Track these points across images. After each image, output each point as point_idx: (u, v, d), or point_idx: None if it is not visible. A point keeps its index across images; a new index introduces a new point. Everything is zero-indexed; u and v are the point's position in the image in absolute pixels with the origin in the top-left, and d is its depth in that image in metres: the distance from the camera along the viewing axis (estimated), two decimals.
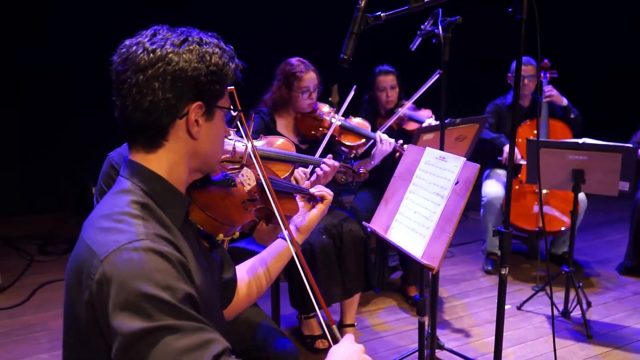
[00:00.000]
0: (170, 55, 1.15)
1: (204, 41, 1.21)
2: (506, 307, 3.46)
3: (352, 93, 2.90)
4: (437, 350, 2.92)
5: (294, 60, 2.90)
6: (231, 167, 1.57)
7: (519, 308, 3.46)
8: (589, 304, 3.47)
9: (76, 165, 4.75)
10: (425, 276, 2.30)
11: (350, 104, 2.95)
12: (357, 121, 3.10)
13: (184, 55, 1.16)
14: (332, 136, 2.90)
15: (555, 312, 3.38)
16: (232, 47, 1.29)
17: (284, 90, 2.88)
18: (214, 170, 1.35)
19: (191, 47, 1.18)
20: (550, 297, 3.42)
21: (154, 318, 0.99)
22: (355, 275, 2.82)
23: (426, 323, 2.73)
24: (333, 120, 2.92)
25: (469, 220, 5.08)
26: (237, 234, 1.40)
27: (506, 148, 3.92)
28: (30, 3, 4.48)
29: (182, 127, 1.19)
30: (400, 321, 3.33)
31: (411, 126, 3.50)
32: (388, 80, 3.60)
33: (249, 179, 1.49)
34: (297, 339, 3.04)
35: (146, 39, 1.18)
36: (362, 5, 1.78)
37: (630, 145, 3.16)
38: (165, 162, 1.20)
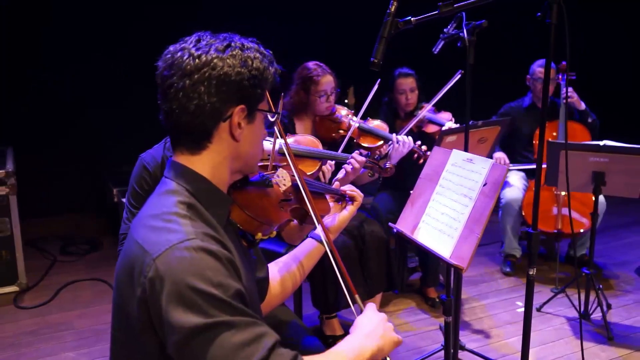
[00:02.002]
0: (215, 60, 1.19)
1: (245, 46, 1.25)
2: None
3: (371, 94, 2.93)
4: (458, 351, 2.94)
5: (311, 64, 2.94)
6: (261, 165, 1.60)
7: (538, 310, 3.47)
8: (608, 306, 3.47)
9: (97, 166, 4.81)
10: (441, 277, 2.31)
11: (369, 106, 2.98)
12: (375, 123, 3.13)
13: (227, 61, 1.20)
14: (351, 138, 2.94)
15: (575, 314, 3.39)
16: (271, 52, 1.33)
17: (302, 94, 2.93)
18: (253, 171, 1.39)
19: (234, 53, 1.22)
20: (577, 298, 3.44)
21: (209, 314, 1.02)
22: (377, 275, 2.84)
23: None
24: (351, 122, 2.96)
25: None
26: (274, 233, 1.44)
27: (495, 155, 3.94)
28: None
29: (225, 130, 1.23)
30: (420, 322, 3.35)
31: (431, 129, 3.52)
32: (408, 83, 3.62)
33: (285, 179, 1.52)
34: (320, 338, 3.06)
35: (191, 45, 1.22)
36: (393, 10, 1.81)
37: None
38: (209, 163, 1.24)
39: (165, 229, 1.11)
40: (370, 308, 1.41)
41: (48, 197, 4.71)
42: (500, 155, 3.99)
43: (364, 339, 1.29)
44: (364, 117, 3.10)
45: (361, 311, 1.44)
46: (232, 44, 1.23)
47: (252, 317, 1.09)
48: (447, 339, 2.14)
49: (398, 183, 3.54)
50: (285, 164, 1.59)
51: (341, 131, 2.96)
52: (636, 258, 4.13)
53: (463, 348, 2.94)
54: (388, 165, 2.61)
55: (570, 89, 4.02)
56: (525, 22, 4.18)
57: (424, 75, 3.70)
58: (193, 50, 1.20)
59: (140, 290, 1.08)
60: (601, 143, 3.23)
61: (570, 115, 4.10)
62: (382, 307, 3.47)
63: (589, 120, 4.05)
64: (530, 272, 1.91)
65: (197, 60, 1.19)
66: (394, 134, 3.04)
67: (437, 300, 3.42)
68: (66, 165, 4.75)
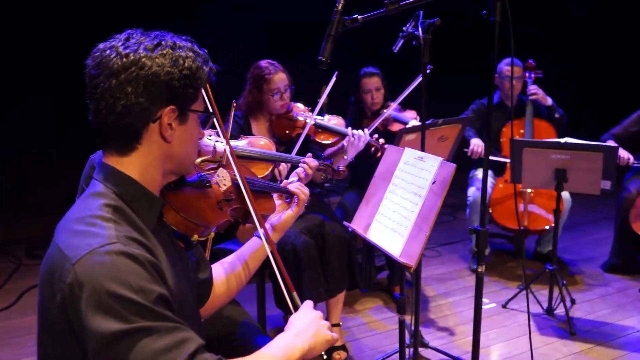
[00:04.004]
0: (143, 59, 1.17)
1: (177, 45, 1.23)
2: (491, 305, 3.52)
3: (326, 91, 2.93)
4: (421, 349, 2.95)
5: (263, 63, 2.92)
6: (210, 167, 1.59)
7: (504, 306, 3.49)
8: (573, 302, 3.51)
9: (65, 170, 4.74)
10: (408, 275, 2.32)
11: (335, 105, 2.98)
12: (331, 119, 3.12)
13: (157, 60, 1.18)
14: (308, 135, 2.92)
15: (540, 310, 3.42)
16: (206, 51, 1.31)
17: (255, 93, 2.90)
18: (188, 172, 1.37)
19: (164, 52, 1.20)
20: (543, 294, 3.47)
21: (128, 320, 1.01)
22: (339, 275, 2.83)
23: (411, 321, 2.78)
24: (307, 119, 2.95)
25: (456, 220, 5.12)
26: (213, 234, 1.43)
27: (472, 142, 3.94)
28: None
29: (155, 131, 1.21)
30: (386, 320, 3.35)
31: (396, 127, 3.52)
32: (373, 82, 3.63)
33: (225, 179, 1.51)
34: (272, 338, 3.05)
35: (119, 43, 1.19)
36: (339, 7, 1.80)
37: (612, 144, 3.19)
38: (139, 165, 1.22)
39: (87, 232, 1.09)
40: (306, 306, 1.41)
41: (16, 200, 4.64)
42: (477, 142, 3.97)
43: (294, 338, 1.29)
44: (321, 114, 3.09)
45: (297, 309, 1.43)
46: (163, 43, 1.22)
47: (175, 323, 1.07)
48: (402, 337, 2.14)
49: (365, 182, 3.52)
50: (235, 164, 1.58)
51: (298, 129, 2.94)
52: (602, 254, 4.17)
53: (426, 346, 2.95)
54: (341, 167, 2.61)
55: (534, 86, 4.05)
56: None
57: (392, 74, 3.71)
58: (121, 49, 1.18)
59: (60, 296, 1.06)
60: (562, 140, 3.26)
61: (538, 112, 4.14)
62: (348, 306, 3.48)
63: (556, 115, 4.08)
64: (479, 270, 1.92)
65: (124, 59, 1.17)
66: (349, 128, 3.04)
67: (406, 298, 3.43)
68: (34, 169, 4.68)
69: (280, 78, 2.91)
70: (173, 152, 1.25)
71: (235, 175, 1.52)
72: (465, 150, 3.92)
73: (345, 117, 3.76)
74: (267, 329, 2.90)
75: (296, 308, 1.43)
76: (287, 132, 2.98)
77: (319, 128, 3.03)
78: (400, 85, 3.32)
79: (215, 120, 1.50)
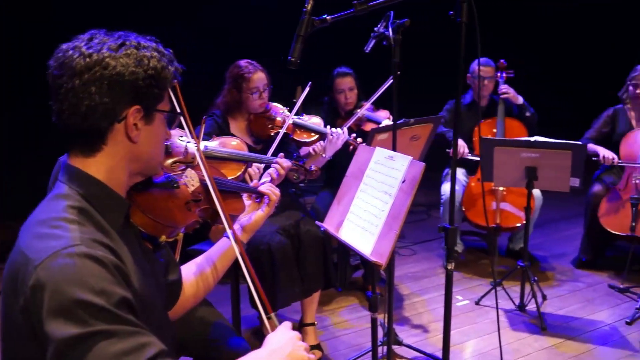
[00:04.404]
0: (107, 59, 1.16)
1: (141, 45, 1.23)
2: (465, 302, 3.56)
3: (305, 91, 2.95)
4: (395, 346, 2.97)
5: (242, 62, 2.93)
6: (181, 168, 1.58)
7: (477, 303, 3.53)
8: (544, 297, 3.57)
9: (36, 174, 4.66)
10: (379, 273, 2.33)
11: (311, 105, 2.99)
12: (309, 118, 3.14)
13: (121, 60, 1.17)
14: (286, 134, 2.93)
15: (512, 306, 3.47)
16: (171, 51, 1.31)
17: (234, 92, 2.91)
18: (155, 172, 1.36)
19: (128, 52, 1.19)
20: (515, 291, 3.52)
21: (88, 324, 1.00)
22: (314, 274, 2.85)
23: (384, 319, 2.80)
24: (286, 118, 2.96)
25: (431, 219, 5.17)
26: (181, 234, 1.42)
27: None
28: None
29: (121, 131, 1.20)
30: (361, 319, 3.37)
31: (370, 127, 3.54)
32: (346, 82, 3.65)
33: (193, 179, 1.51)
34: (258, 339, 3.06)
35: (83, 44, 1.19)
36: (309, 8, 1.81)
37: (580, 142, 3.25)
38: (104, 166, 1.21)
39: (51, 235, 1.08)
40: (284, 326, 1.39)
41: None
42: (461, 143, 4.02)
43: (268, 356, 1.28)
44: (298, 114, 3.10)
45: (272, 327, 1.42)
46: (127, 43, 1.21)
47: (136, 327, 1.06)
48: (374, 335, 2.16)
49: (340, 182, 3.54)
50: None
51: (276, 128, 2.95)
52: (573, 250, 4.25)
53: (400, 343, 2.98)
54: (313, 167, 2.63)
55: (505, 86, 4.11)
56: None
57: (367, 74, 3.73)
58: (84, 49, 1.17)
59: (23, 299, 1.05)
60: (532, 139, 3.31)
61: (510, 111, 4.19)
62: (324, 305, 3.49)
63: (527, 114, 4.15)
64: (449, 267, 1.94)
65: (87, 59, 1.16)
66: (328, 127, 3.06)
67: (380, 296, 3.45)
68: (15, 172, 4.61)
69: (259, 77, 2.92)
70: (139, 152, 1.25)
71: (203, 175, 1.52)
72: (448, 150, 3.98)
73: (319, 116, 3.77)
74: (242, 329, 2.89)
75: (274, 328, 1.41)
76: (266, 130, 2.98)
77: (297, 127, 3.04)
78: (374, 85, 3.34)
79: (183, 120, 1.49)
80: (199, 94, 2.72)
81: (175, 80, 1.30)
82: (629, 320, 3.25)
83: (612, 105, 4.10)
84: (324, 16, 1.82)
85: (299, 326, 3.01)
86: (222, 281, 2.96)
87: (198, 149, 1.52)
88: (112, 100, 1.17)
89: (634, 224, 3.62)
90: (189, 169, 1.53)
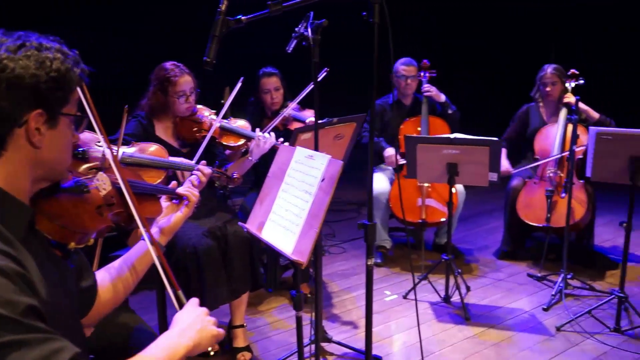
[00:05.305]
0: (4, 61, 1.12)
1: (43, 46, 1.19)
2: (393, 296, 3.65)
3: (232, 94, 2.94)
4: (325, 344, 3.01)
5: (168, 65, 2.88)
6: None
7: (404, 297, 3.62)
8: (468, 289, 3.70)
9: None
10: (308, 272, 2.35)
11: (238, 106, 2.97)
12: (237, 122, 3.12)
13: (20, 62, 1.13)
14: (213, 138, 2.91)
15: (438, 298, 3.58)
16: (76, 52, 1.27)
17: (159, 95, 2.86)
18: (62, 177, 1.32)
19: (29, 53, 1.15)
20: (441, 283, 3.63)
21: None
22: (242, 276, 2.83)
23: (311, 316, 2.82)
24: (213, 122, 2.93)
25: (360, 217, 5.26)
26: (92, 240, 1.39)
27: (386, 152, 4.12)
28: None
29: (22, 136, 1.16)
30: (292, 318, 3.37)
31: (296, 126, 3.56)
32: (272, 82, 3.65)
33: (104, 183, 1.47)
34: None
35: None
36: (223, 8, 1.80)
37: (496, 138, 3.39)
38: (5, 172, 1.16)
39: None
40: (191, 303, 1.40)
41: None
42: (392, 152, 4.13)
43: (177, 337, 1.28)
44: (226, 117, 3.08)
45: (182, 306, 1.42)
46: (27, 44, 1.17)
47: (46, 333, 1.03)
48: (300, 333, 2.17)
49: None
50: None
51: (203, 131, 2.92)
52: (495, 242, 4.44)
53: (330, 340, 3.01)
54: (235, 175, 2.63)
55: (428, 85, 4.23)
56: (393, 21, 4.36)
57: (295, 74, 3.74)
58: None
59: None
60: (452, 136, 3.43)
61: (434, 109, 4.32)
62: (254, 306, 3.48)
63: (449, 111, 4.28)
64: (369, 263, 1.98)
65: None
66: (257, 130, 3.05)
67: (309, 295, 3.49)
68: None
69: (186, 81, 2.88)
70: (43, 157, 1.20)
71: (116, 178, 1.48)
72: (384, 165, 4.13)
73: (246, 117, 3.76)
74: None
75: (181, 306, 1.41)
76: (192, 134, 2.95)
77: (224, 130, 3.02)
78: (301, 85, 3.36)
79: (94, 123, 1.45)
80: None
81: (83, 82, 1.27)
82: (545, 307, 3.43)
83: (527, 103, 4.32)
84: (239, 16, 1.82)
85: (228, 328, 2.99)
86: (148, 287, 2.92)
87: (109, 148, 1.48)
88: (11, 104, 1.12)
89: (549, 215, 3.82)
90: (100, 173, 1.49)
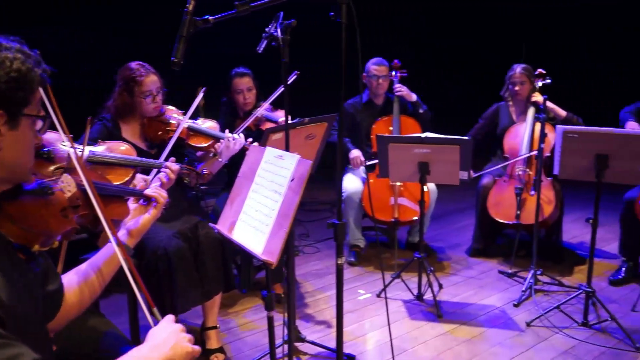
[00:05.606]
0: None
1: (3, 46, 1.17)
2: (367, 295, 3.66)
3: (199, 96, 2.92)
4: (299, 343, 3.01)
5: (133, 65, 2.85)
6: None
7: (378, 296, 3.65)
8: (440, 286, 3.74)
9: None
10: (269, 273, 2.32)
11: (211, 107, 2.95)
12: (206, 123, 3.10)
13: None
14: (181, 139, 2.89)
15: (412, 296, 3.61)
16: (38, 52, 1.26)
17: (125, 96, 2.82)
18: (24, 179, 1.30)
19: None
20: (414, 281, 3.65)
21: None
22: (214, 277, 2.82)
23: (284, 316, 2.82)
24: (180, 122, 2.91)
25: (334, 216, 5.24)
26: (57, 243, 1.37)
27: (351, 153, 4.14)
28: None
29: None
30: (266, 319, 3.33)
31: (268, 126, 3.56)
32: (244, 82, 3.65)
33: (69, 185, 1.45)
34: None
35: None
36: (190, 8, 1.79)
37: (466, 137, 3.44)
38: None
39: None
40: (166, 320, 1.38)
41: None
42: (357, 153, 4.15)
43: (148, 352, 1.26)
44: (195, 117, 3.06)
45: (157, 321, 1.40)
46: None
47: (5, 339, 1.02)
48: (271, 333, 2.18)
49: None
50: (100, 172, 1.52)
51: (170, 132, 2.89)
52: (467, 240, 4.49)
53: (303, 340, 3.02)
54: (205, 171, 2.61)
55: (399, 84, 4.27)
56: (361, 22, 4.39)
57: (268, 75, 3.73)
58: None
59: None
60: (423, 135, 3.47)
61: (405, 109, 4.35)
62: (228, 308, 3.47)
63: (421, 111, 4.32)
64: (339, 262, 1.99)
65: None
66: (226, 131, 3.04)
67: (283, 295, 3.48)
68: None
69: (152, 80, 2.85)
70: (4, 159, 1.19)
71: (81, 180, 1.47)
72: (349, 167, 4.15)
73: (218, 118, 3.74)
74: (140, 339, 2.81)
75: (156, 322, 1.39)
76: (159, 135, 2.92)
77: (192, 131, 2.99)
78: (274, 86, 3.36)
79: (57, 124, 1.43)
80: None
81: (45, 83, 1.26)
82: (516, 303, 3.48)
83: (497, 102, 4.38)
84: (206, 17, 1.81)
85: (201, 330, 2.98)
86: (119, 290, 2.88)
87: (74, 150, 1.46)
88: None
89: (518, 212, 3.88)
90: (65, 174, 1.47)
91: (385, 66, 4.29)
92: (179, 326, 1.36)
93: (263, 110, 3.50)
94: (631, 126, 3.70)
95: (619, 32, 6.45)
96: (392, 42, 6.45)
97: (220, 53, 5.09)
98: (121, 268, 1.59)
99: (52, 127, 1.44)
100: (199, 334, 3.00)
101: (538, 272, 3.66)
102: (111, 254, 1.60)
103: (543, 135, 3.47)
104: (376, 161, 4.14)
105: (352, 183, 4.16)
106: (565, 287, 3.66)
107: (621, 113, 3.88)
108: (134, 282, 1.42)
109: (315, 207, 5.51)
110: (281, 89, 3.33)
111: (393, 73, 4.34)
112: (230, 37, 4.91)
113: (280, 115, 3.60)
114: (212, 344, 2.93)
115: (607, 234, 4.59)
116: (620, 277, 3.77)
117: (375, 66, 4.28)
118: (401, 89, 4.26)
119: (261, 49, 2.81)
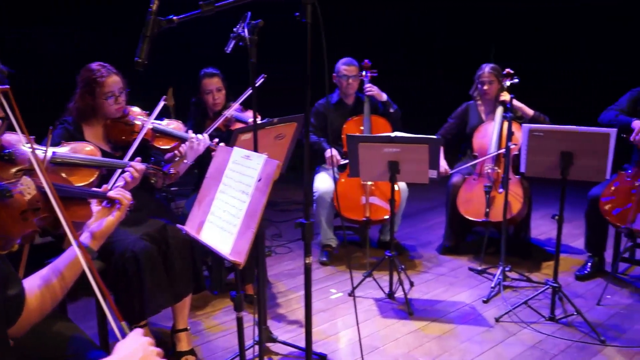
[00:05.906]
0: None
1: None
2: (339, 294, 3.68)
3: (163, 97, 2.90)
4: (270, 344, 3.01)
5: (94, 65, 2.80)
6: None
7: (350, 295, 3.66)
8: (411, 284, 3.77)
9: None
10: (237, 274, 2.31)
11: (181, 107, 2.93)
12: (170, 124, 3.07)
13: None
14: (146, 140, 2.86)
15: (383, 295, 3.63)
16: None
17: (87, 97, 2.78)
18: None
19: None
20: (385, 280, 3.67)
21: None
22: (184, 278, 2.80)
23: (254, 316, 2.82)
24: (144, 123, 2.88)
25: None
26: (17, 246, 1.35)
27: (327, 152, 4.15)
28: None
29: None
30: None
31: (238, 127, 3.55)
32: (213, 83, 3.63)
33: (29, 187, 1.43)
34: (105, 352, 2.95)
35: None
36: (154, 8, 1.78)
37: (435, 136, 3.47)
38: None
39: None
40: (135, 332, 1.36)
41: None
42: (333, 152, 4.16)
43: None
44: (159, 119, 3.03)
45: (125, 334, 1.38)
46: None
47: None
48: (241, 334, 2.17)
49: None
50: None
51: (134, 133, 2.86)
52: (437, 238, 4.54)
53: (275, 340, 3.02)
54: (172, 170, 2.59)
55: (369, 85, 4.29)
56: (335, 23, 4.41)
57: (237, 75, 3.72)
58: None
59: None
60: (393, 134, 3.49)
61: (376, 109, 4.38)
62: (199, 309, 3.45)
63: (391, 110, 4.35)
64: (307, 261, 2.00)
65: None
66: (190, 132, 3.02)
67: (255, 296, 3.47)
68: None
69: (114, 81, 2.81)
70: None
71: (41, 182, 1.44)
72: (324, 165, 4.16)
73: (187, 119, 3.72)
74: (109, 342, 2.77)
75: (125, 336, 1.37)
76: (123, 137, 2.88)
77: (157, 132, 2.96)
78: (244, 86, 3.35)
79: (16, 126, 1.41)
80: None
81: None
82: (485, 299, 3.53)
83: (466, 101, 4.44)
84: (171, 16, 1.80)
85: (172, 332, 2.95)
86: (87, 294, 2.84)
87: (34, 156, 1.44)
88: None
89: (488, 210, 3.94)
90: (24, 177, 1.45)
91: (355, 66, 4.31)
92: (148, 339, 1.34)
93: (233, 110, 3.49)
94: (638, 125, 3.50)
95: (587, 32, 6.60)
96: (363, 41, 6.49)
97: (191, 53, 5.07)
98: (84, 272, 1.57)
99: (11, 129, 1.41)
100: (169, 337, 2.97)
101: (507, 269, 3.72)
102: (73, 257, 1.58)
103: (510, 134, 3.53)
104: (347, 161, 4.17)
105: (324, 183, 4.16)
106: (533, 283, 3.73)
107: (609, 114, 3.71)
108: (96, 286, 1.40)
109: (288, 207, 5.50)
110: (250, 90, 3.32)
111: (363, 73, 4.36)
112: (200, 37, 4.89)
113: (250, 116, 3.59)
114: (183, 346, 2.91)
115: (574, 230, 4.69)
116: (586, 272, 3.85)
117: (345, 66, 4.29)
118: (372, 89, 4.28)
119: (229, 49, 2.80)
